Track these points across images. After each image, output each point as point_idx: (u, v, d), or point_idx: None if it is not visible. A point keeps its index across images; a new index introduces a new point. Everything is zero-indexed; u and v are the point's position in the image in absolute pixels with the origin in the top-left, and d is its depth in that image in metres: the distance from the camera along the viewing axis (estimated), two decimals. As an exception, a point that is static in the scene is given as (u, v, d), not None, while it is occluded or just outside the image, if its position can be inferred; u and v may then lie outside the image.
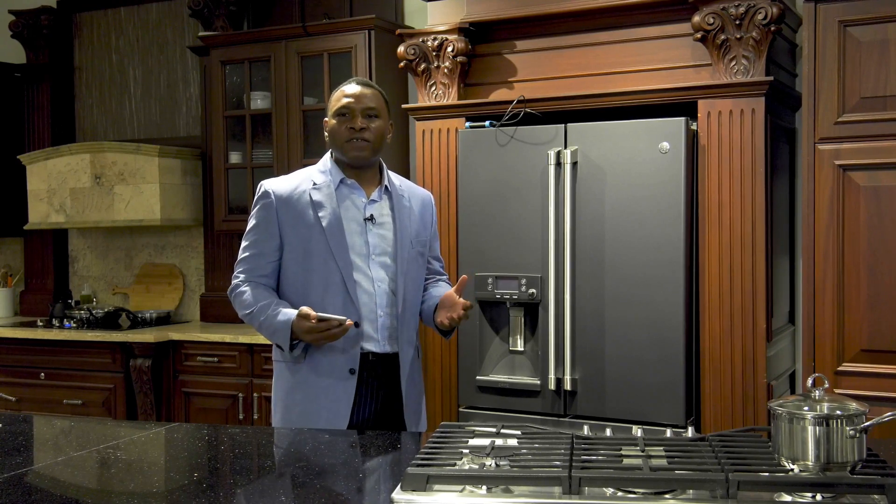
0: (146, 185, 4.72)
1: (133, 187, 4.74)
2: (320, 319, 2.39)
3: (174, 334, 4.48)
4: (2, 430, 2.29)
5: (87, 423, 2.50)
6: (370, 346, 2.53)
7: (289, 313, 2.46)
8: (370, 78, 4.17)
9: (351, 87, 2.58)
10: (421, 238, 2.66)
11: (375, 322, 2.54)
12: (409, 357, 2.60)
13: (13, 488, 1.76)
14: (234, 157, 4.65)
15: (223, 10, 4.77)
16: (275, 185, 2.58)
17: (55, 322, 4.86)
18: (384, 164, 2.67)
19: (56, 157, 4.94)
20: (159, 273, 5.22)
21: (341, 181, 2.57)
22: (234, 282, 2.59)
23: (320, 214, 2.52)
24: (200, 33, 4.73)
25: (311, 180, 2.58)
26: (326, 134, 2.62)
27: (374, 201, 2.59)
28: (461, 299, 2.54)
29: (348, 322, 2.41)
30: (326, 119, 2.62)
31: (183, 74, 5.22)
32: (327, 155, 2.65)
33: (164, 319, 4.96)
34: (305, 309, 2.42)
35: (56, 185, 4.93)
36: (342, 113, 2.55)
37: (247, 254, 2.57)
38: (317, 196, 2.54)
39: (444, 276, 2.83)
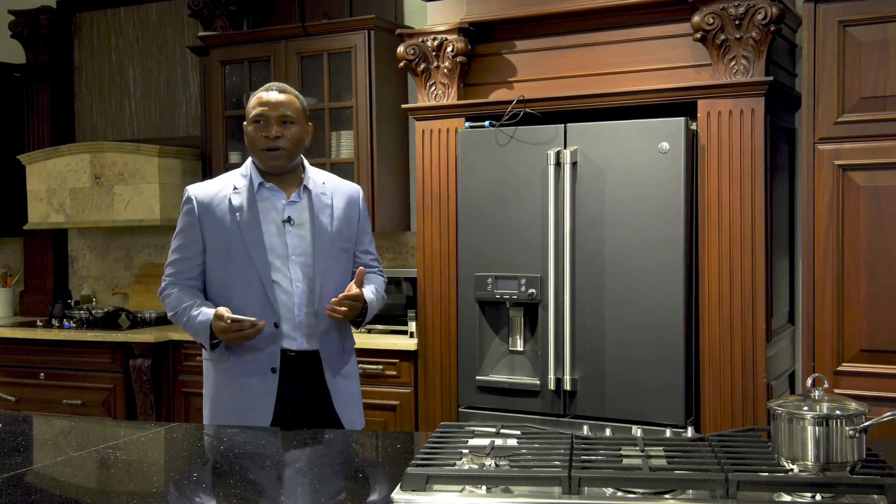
0: (146, 185, 4.72)
1: (133, 187, 4.74)
2: (234, 321, 2.48)
3: (174, 334, 4.47)
4: (1, 430, 2.29)
5: (86, 423, 2.51)
6: (289, 345, 2.60)
7: (208, 313, 2.55)
8: (369, 78, 4.18)
9: (267, 94, 2.64)
10: (344, 235, 2.70)
11: (293, 321, 2.60)
12: (332, 352, 2.65)
13: (13, 488, 1.76)
14: (234, 157, 4.65)
15: (223, 10, 4.77)
16: (197, 191, 2.65)
17: (55, 322, 4.86)
18: (307, 164, 2.72)
19: (56, 157, 4.93)
20: (159, 273, 5.16)
21: (260, 184, 2.64)
22: (162, 285, 2.68)
23: (239, 218, 2.59)
24: (200, 33, 4.72)
25: (232, 185, 2.65)
26: (246, 139, 2.68)
27: (293, 202, 2.65)
28: (353, 290, 2.57)
29: (261, 323, 2.49)
30: (245, 124, 2.67)
31: (183, 74, 5.22)
32: (249, 158, 2.71)
33: (164, 319, 4.94)
34: (221, 310, 2.51)
35: (56, 185, 4.93)
36: (257, 120, 2.61)
37: (173, 258, 2.67)
38: (236, 200, 2.61)
39: (375, 268, 2.84)
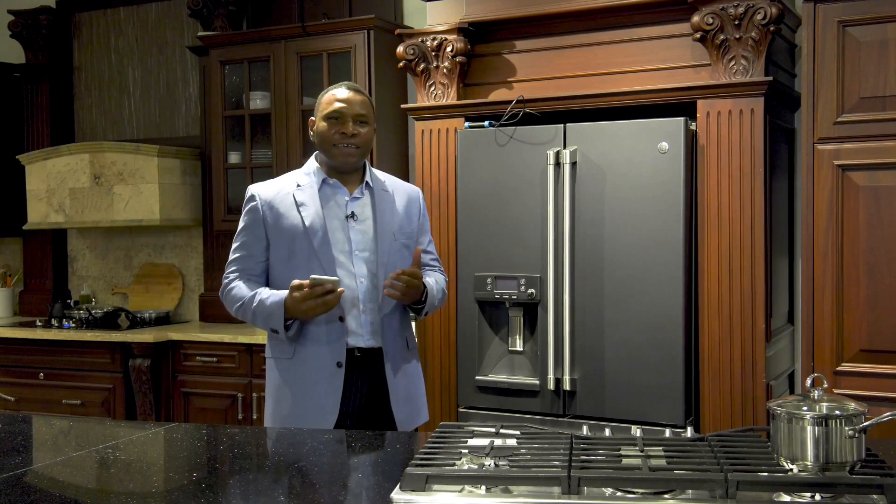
0: (145, 185, 4.72)
1: (132, 187, 4.74)
2: (313, 284, 2.44)
3: (173, 334, 4.48)
4: (1, 431, 2.28)
5: (86, 423, 2.50)
6: (355, 342, 2.59)
7: (279, 293, 2.53)
8: (369, 78, 4.18)
9: (342, 92, 2.63)
10: (405, 231, 2.70)
11: (359, 317, 2.59)
12: (395, 350, 2.64)
13: (12, 488, 1.76)
14: (234, 157, 4.65)
15: (222, 10, 4.77)
16: (261, 189, 2.66)
17: (54, 322, 4.86)
18: (367, 162, 2.72)
19: (55, 157, 4.93)
20: (158, 273, 5.22)
21: (324, 181, 2.64)
22: (225, 281, 2.67)
23: (303, 214, 2.59)
24: (199, 33, 4.72)
25: (295, 182, 2.65)
26: (312, 134, 2.68)
27: (356, 198, 2.65)
28: (410, 268, 2.57)
29: (341, 288, 2.47)
30: (313, 119, 2.67)
31: (182, 74, 5.22)
32: (312, 157, 2.71)
33: (164, 319, 4.96)
34: (296, 281, 2.48)
35: (55, 185, 4.93)
36: (334, 116, 2.60)
37: (237, 255, 2.66)
38: (300, 197, 2.61)
39: (436, 268, 2.84)
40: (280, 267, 2.61)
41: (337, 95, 2.62)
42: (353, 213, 2.62)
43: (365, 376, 2.60)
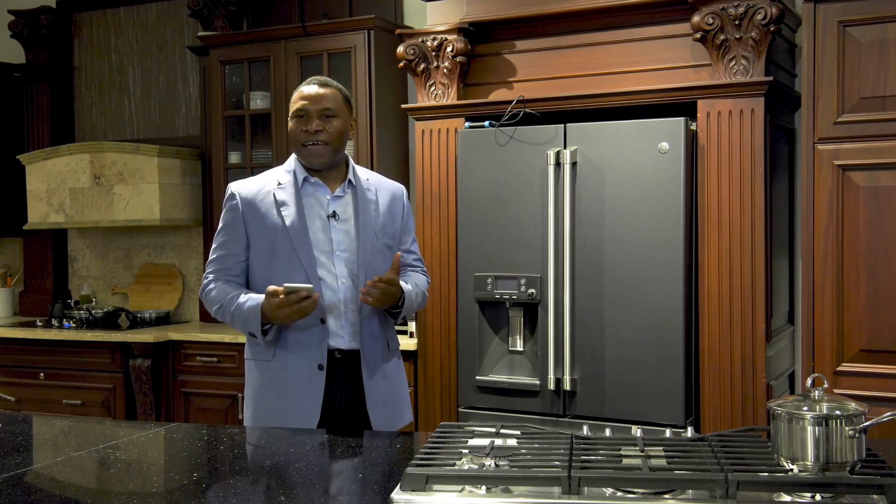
0: (145, 185, 4.72)
1: (132, 187, 4.74)
2: (288, 291, 2.40)
3: (173, 334, 4.48)
4: (1, 430, 2.29)
5: (86, 423, 2.50)
6: (337, 343, 2.55)
7: (257, 298, 2.49)
8: (369, 78, 4.18)
9: (309, 88, 2.59)
10: (388, 231, 2.66)
11: (340, 318, 2.55)
12: (374, 352, 2.60)
13: (12, 488, 1.76)
14: (234, 157, 4.65)
15: (222, 10, 4.77)
16: (241, 187, 2.62)
17: (54, 322, 4.86)
18: (350, 159, 2.69)
19: (55, 157, 4.93)
20: (159, 273, 5.22)
21: (305, 179, 2.60)
22: (204, 282, 2.64)
23: (284, 213, 2.55)
24: (200, 33, 4.73)
25: (276, 180, 2.62)
26: (289, 135, 2.65)
27: (338, 197, 2.61)
28: (388, 275, 2.52)
29: (316, 294, 2.44)
30: (289, 119, 2.65)
31: (182, 74, 5.22)
32: (293, 155, 2.67)
33: (164, 319, 4.96)
34: (272, 287, 2.44)
35: (55, 185, 4.93)
36: (299, 115, 2.58)
37: (216, 255, 2.63)
38: (281, 195, 2.58)
39: (418, 268, 2.80)
40: (261, 267, 2.58)
41: (303, 93, 2.59)
42: (334, 212, 2.59)
43: (346, 378, 2.57)
